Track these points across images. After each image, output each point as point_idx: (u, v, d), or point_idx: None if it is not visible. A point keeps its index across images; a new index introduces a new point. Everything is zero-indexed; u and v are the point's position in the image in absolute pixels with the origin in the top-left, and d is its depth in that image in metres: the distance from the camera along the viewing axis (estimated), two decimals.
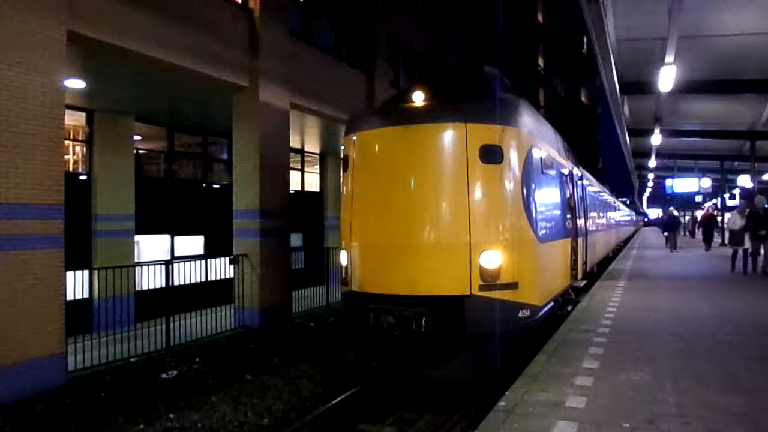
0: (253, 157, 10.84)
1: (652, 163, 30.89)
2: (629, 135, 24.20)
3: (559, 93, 49.84)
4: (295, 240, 14.93)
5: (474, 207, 6.41)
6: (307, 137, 16.20)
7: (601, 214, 18.51)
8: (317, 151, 18.35)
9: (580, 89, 65.71)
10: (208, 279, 12.38)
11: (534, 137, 7.31)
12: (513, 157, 6.70)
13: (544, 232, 7.43)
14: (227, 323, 10.52)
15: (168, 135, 13.62)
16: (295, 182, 16.14)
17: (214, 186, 14.99)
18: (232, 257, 10.87)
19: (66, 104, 7.65)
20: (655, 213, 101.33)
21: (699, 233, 33.54)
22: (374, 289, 6.69)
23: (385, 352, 6.55)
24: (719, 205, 35.12)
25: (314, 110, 12.84)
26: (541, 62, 41.87)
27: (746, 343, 6.95)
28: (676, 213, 31.87)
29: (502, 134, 6.59)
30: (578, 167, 11.95)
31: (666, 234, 27.87)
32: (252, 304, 10.74)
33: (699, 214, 45.81)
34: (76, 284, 9.49)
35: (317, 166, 18.75)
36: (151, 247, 13.06)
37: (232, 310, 10.94)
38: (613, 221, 24.61)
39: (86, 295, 10.46)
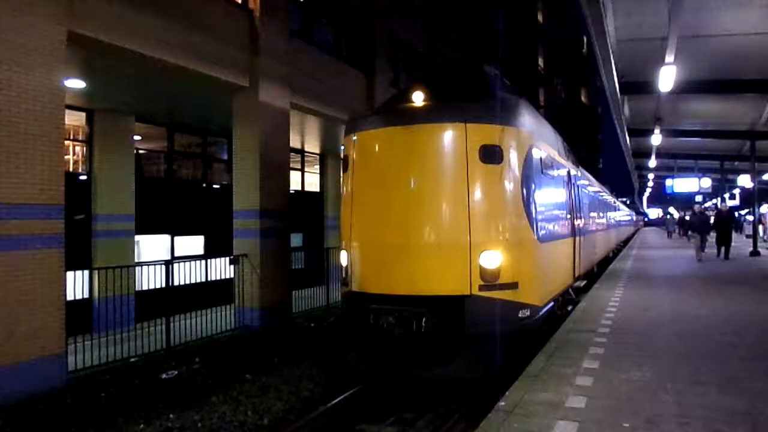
0: (253, 157, 10.84)
1: (652, 163, 30.84)
2: (629, 135, 24.16)
3: (559, 93, 49.82)
4: (295, 240, 14.92)
5: (474, 207, 6.42)
6: (307, 137, 16.20)
7: (601, 214, 18.50)
8: (317, 151, 18.35)
9: (580, 89, 65.70)
10: (208, 279, 12.37)
11: (534, 137, 7.31)
12: (513, 157, 6.71)
13: (544, 232, 7.43)
14: (227, 323, 10.52)
15: (168, 135, 13.61)
16: (295, 182, 16.14)
17: (214, 186, 14.98)
18: (232, 257, 10.87)
19: (66, 104, 7.65)
20: (655, 213, 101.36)
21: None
22: (374, 289, 6.70)
23: (386, 352, 6.55)
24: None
25: (314, 110, 12.84)
26: (541, 62, 41.85)
27: (747, 343, 6.95)
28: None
29: (501, 134, 6.60)
30: (578, 167, 11.96)
31: (693, 238, 20.92)
32: (252, 304, 10.74)
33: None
34: (76, 284, 9.48)
35: (317, 166, 18.73)
36: (151, 247, 13.06)
37: (232, 310, 10.94)
38: (613, 221, 24.58)
39: (86, 295, 10.46)
